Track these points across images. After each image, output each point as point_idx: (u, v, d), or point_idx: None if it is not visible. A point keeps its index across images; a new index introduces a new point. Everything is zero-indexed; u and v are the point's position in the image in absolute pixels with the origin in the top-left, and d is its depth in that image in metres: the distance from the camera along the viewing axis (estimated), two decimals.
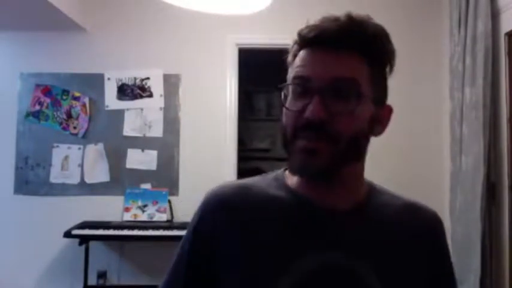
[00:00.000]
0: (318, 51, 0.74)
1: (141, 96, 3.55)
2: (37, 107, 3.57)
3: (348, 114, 0.71)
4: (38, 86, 3.58)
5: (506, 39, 2.63)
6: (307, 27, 0.76)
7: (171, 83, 3.56)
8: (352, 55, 0.73)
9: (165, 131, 3.54)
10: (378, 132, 0.79)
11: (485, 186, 2.58)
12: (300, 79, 0.74)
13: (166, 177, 3.52)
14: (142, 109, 3.55)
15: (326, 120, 0.70)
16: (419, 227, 0.81)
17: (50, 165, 3.53)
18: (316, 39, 0.74)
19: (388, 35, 0.76)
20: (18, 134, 3.55)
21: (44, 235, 3.42)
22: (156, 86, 3.55)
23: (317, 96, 0.71)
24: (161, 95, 3.55)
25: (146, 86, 3.55)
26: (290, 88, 0.76)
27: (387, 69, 0.78)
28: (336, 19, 0.74)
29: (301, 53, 0.76)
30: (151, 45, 3.56)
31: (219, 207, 0.79)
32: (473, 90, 2.72)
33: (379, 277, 0.73)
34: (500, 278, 2.61)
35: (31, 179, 3.53)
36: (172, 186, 3.51)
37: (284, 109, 0.76)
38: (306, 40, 0.75)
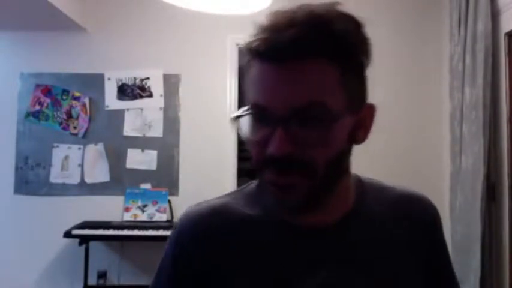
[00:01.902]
0: (271, 68, 0.60)
1: (141, 96, 3.55)
2: (37, 107, 3.57)
3: (320, 142, 0.60)
4: (38, 86, 3.58)
5: (506, 39, 2.62)
6: (256, 39, 0.61)
7: (171, 83, 3.56)
8: (316, 64, 0.59)
9: (165, 131, 3.54)
10: (361, 139, 0.67)
11: (485, 186, 2.58)
12: (256, 108, 0.62)
13: (166, 177, 3.52)
14: (142, 109, 3.55)
15: (294, 153, 0.59)
16: (416, 219, 0.75)
17: (50, 165, 3.53)
18: (268, 54, 0.60)
19: (359, 24, 0.61)
20: (18, 134, 3.55)
21: (44, 235, 3.42)
22: (156, 86, 3.55)
23: (279, 129, 0.59)
24: (161, 95, 3.55)
25: (146, 86, 3.55)
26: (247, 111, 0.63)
27: (364, 61, 0.64)
28: (291, 21, 0.58)
29: (255, 67, 0.63)
30: (151, 45, 3.56)
31: (196, 234, 0.72)
32: (473, 90, 2.72)
33: (376, 282, 0.69)
34: (500, 278, 2.61)
35: (31, 179, 3.53)
36: (172, 186, 3.51)
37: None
38: (257, 54, 0.62)
